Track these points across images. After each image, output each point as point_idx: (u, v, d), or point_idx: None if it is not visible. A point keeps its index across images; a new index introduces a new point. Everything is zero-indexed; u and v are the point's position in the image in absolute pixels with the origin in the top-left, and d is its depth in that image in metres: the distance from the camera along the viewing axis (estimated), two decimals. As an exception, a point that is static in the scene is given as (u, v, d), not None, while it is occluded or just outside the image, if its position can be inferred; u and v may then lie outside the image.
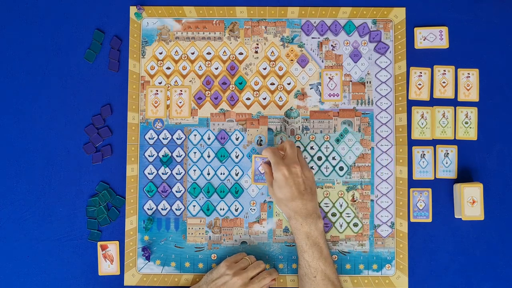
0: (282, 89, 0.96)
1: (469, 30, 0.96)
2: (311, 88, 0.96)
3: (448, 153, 0.94)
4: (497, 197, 0.94)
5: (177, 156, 0.95)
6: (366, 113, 0.95)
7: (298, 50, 0.96)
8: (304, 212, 0.85)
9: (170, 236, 0.94)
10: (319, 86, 0.96)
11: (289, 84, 0.96)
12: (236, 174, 0.94)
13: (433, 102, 0.95)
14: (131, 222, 0.94)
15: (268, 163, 0.90)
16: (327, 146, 0.95)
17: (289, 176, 0.85)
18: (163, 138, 0.95)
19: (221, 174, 0.94)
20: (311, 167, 0.94)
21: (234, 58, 0.96)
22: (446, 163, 0.94)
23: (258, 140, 0.95)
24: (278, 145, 0.93)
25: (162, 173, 0.94)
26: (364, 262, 0.93)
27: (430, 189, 0.94)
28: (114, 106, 0.95)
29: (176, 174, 0.94)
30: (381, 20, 0.96)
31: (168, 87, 0.95)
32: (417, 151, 0.94)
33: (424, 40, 0.95)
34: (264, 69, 0.96)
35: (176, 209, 0.94)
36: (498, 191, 0.94)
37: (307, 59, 0.96)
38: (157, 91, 0.95)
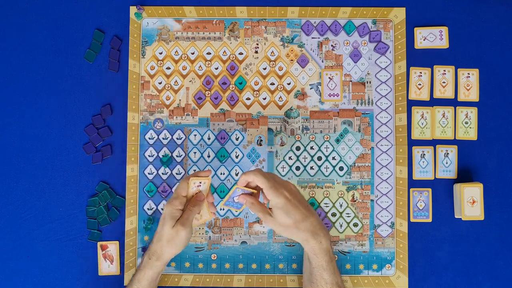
0: (282, 89, 0.96)
1: (469, 30, 0.96)
2: (311, 88, 0.96)
3: (448, 153, 0.94)
4: (497, 197, 0.94)
5: (177, 156, 0.95)
6: (366, 113, 0.95)
7: (298, 50, 0.96)
8: (318, 227, 0.80)
9: (170, 236, 0.94)
10: (319, 86, 0.96)
11: (289, 84, 0.96)
12: (236, 174, 0.94)
13: (433, 102, 0.95)
14: (131, 222, 0.94)
15: (250, 194, 0.81)
16: (327, 146, 0.95)
17: (291, 197, 0.78)
18: (163, 138, 0.95)
19: (221, 174, 0.94)
20: (311, 167, 0.94)
21: (234, 58, 0.96)
22: (446, 163, 0.94)
23: (258, 140, 0.95)
24: (243, 176, 0.79)
25: (162, 173, 0.94)
26: (364, 262, 0.93)
27: (430, 189, 0.94)
28: (114, 106, 0.95)
29: (176, 174, 0.94)
30: (381, 20, 0.96)
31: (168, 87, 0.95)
32: (417, 151, 0.94)
33: (424, 40, 0.95)
34: (264, 69, 0.96)
35: (176, 209, 0.94)
36: (498, 191, 0.94)
37: (307, 59, 0.96)
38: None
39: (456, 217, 0.93)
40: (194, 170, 0.94)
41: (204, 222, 0.88)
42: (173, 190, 0.94)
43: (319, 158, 0.95)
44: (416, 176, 0.94)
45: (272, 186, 0.77)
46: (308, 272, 0.84)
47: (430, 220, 0.93)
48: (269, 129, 0.95)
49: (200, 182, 0.82)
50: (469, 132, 0.95)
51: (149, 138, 0.95)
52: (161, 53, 0.96)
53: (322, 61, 0.96)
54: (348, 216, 0.94)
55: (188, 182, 0.81)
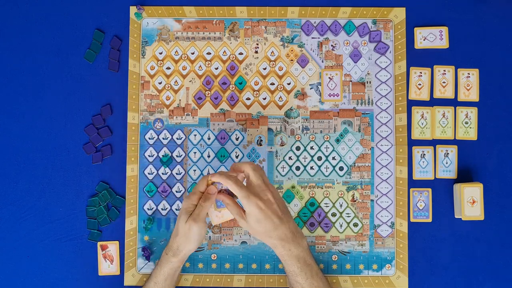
0: (282, 89, 0.96)
1: (469, 30, 0.96)
2: (311, 88, 0.96)
3: (448, 153, 0.94)
4: (497, 197, 0.94)
5: (177, 156, 0.95)
6: (366, 113, 0.95)
7: (298, 50, 0.96)
8: (289, 236, 0.80)
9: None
10: (319, 86, 0.96)
11: (289, 84, 0.96)
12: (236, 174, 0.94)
13: (433, 102, 0.95)
14: (131, 222, 0.94)
15: (229, 193, 0.82)
16: (327, 146, 0.95)
17: (264, 207, 0.78)
18: (163, 138, 0.95)
19: (221, 174, 0.94)
20: (311, 167, 0.94)
21: (234, 58, 0.96)
22: (446, 163, 0.94)
23: (258, 140, 0.95)
24: (235, 164, 0.82)
25: (162, 173, 0.94)
26: (364, 262, 0.93)
27: (430, 189, 0.94)
28: (114, 106, 0.95)
29: (176, 174, 0.94)
30: (381, 20, 0.96)
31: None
32: (417, 151, 0.94)
33: (424, 40, 0.95)
34: (264, 69, 0.96)
35: (176, 209, 0.94)
36: (498, 191, 0.94)
37: (307, 59, 0.96)
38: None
39: (456, 217, 0.93)
40: (194, 171, 0.95)
41: (226, 220, 0.85)
42: (173, 190, 0.94)
43: (319, 158, 0.95)
44: (416, 176, 0.94)
45: (245, 196, 0.77)
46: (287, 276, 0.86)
47: (430, 220, 0.93)
48: (269, 129, 0.95)
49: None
50: (469, 132, 0.95)
51: (149, 138, 0.95)
52: (161, 53, 0.96)
53: (322, 61, 0.96)
54: (348, 216, 0.94)
55: (208, 180, 0.81)
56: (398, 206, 0.94)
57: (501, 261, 0.93)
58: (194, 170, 0.95)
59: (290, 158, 0.95)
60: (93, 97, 0.95)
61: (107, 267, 0.93)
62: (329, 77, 0.96)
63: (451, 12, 0.96)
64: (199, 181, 0.83)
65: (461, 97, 0.95)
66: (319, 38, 0.96)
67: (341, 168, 0.94)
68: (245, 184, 0.81)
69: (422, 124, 0.95)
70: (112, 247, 0.93)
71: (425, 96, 0.95)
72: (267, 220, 0.78)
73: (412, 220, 0.93)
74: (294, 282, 0.83)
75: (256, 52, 0.96)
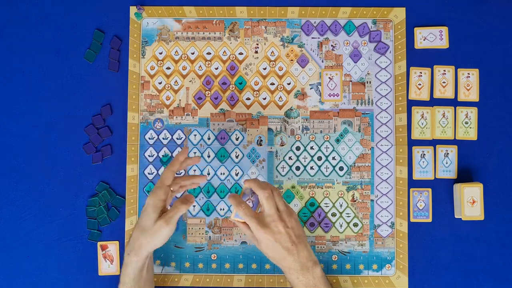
0: (282, 89, 0.96)
1: (469, 30, 0.96)
2: (311, 88, 0.96)
3: (448, 153, 0.94)
4: (497, 197, 0.94)
5: (177, 156, 0.95)
6: (366, 113, 0.95)
7: (298, 50, 0.96)
8: (298, 266, 0.79)
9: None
10: (319, 86, 0.96)
11: (289, 84, 0.96)
12: (236, 174, 0.94)
13: (433, 102, 0.95)
14: (131, 222, 0.94)
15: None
16: (327, 146, 0.95)
17: (273, 239, 0.78)
18: (163, 138, 0.95)
19: (221, 174, 0.94)
20: (311, 167, 0.94)
21: (234, 58, 0.96)
22: (446, 163, 0.94)
23: (258, 140, 0.95)
24: (249, 183, 0.81)
25: (162, 173, 0.94)
26: (364, 262, 0.93)
27: (430, 189, 0.94)
28: (114, 106, 0.95)
29: (176, 174, 0.94)
30: (381, 20, 0.96)
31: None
32: (417, 151, 0.94)
33: (424, 40, 0.95)
34: (264, 69, 0.96)
35: (176, 209, 0.94)
36: (498, 191, 0.94)
37: (307, 59, 0.96)
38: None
39: (456, 217, 0.93)
40: (194, 171, 0.95)
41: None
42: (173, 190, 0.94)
43: (319, 158, 0.95)
44: (416, 176, 0.94)
45: (254, 228, 0.78)
46: None
47: (430, 220, 0.93)
48: (269, 129, 0.95)
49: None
50: (469, 132, 0.95)
51: (149, 138, 0.95)
52: (161, 53, 0.96)
53: (322, 61, 0.96)
54: (348, 216, 0.94)
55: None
56: (398, 206, 0.94)
57: (501, 261, 0.93)
58: (194, 170, 0.95)
59: (290, 158, 0.95)
60: (93, 97, 0.95)
61: (107, 267, 0.93)
62: (329, 77, 0.96)
63: (451, 12, 0.96)
64: (164, 174, 0.81)
65: (461, 97, 0.95)
66: (319, 38, 0.96)
67: (341, 168, 0.95)
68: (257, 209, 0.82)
69: (422, 124, 0.95)
70: (112, 247, 0.93)
71: (425, 96, 0.95)
72: (274, 250, 0.79)
73: (412, 220, 0.93)
74: None
75: (256, 52, 0.96)
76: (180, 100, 0.95)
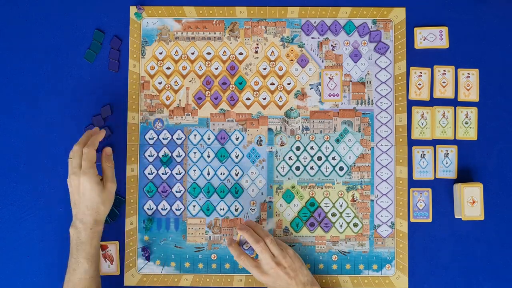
0: (282, 89, 0.96)
1: (469, 30, 0.96)
2: (311, 88, 0.96)
3: (448, 153, 0.94)
4: (497, 197, 0.94)
5: (177, 156, 0.95)
6: (366, 113, 0.95)
7: (298, 50, 0.96)
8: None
9: (170, 236, 0.94)
10: (319, 86, 0.96)
11: (289, 84, 0.96)
12: (236, 174, 0.94)
13: (433, 102, 0.95)
14: (131, 222, 0.94)
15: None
16: (327, 146, 0.95)
17: (274, 281, 0.85)
18: (163, 138, 0.95)
19: (221, 174, 0.94)
20: (311, 167, 0.94)
21: (234, 58, 0.96)
22: (446, 163, 0.94)
23: (258, 140, 0.95)
24: (249, 229, 0.88)
25: (162, 173, 0.94)
26: (364, 262, 0.93)
27: (430, 189, 0.94)
28: (114, 106, 0.95)
29: (176, 174, 0.94)
30: (381, 20, 0.96)
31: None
32: (417, 151, 0.94)
33: (424, 40, 0.95)
34: (264, 69, 0.96)
35: (176, 209, 0.94)
36: (498, 191, 0.94)
37: (307, 59, 0.96)
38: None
39: (456, 217, 0.93)
40: (194, 171, 0.95)
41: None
42: (172, 190, 0.94)
43: (319, 158, 0.95)
44: (416, 176, 0.94)
45: (255, 275, 0.87)
46: None
47: (430, 220, 0.93)
48: (269, 129, 0.95)
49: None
50: (469, 132, 0.95)
51: (149, 138, 0.95)
52: (161, 53, 0.96)
53: (322, 61, 0.96)
54: (348, 216, 0.94)
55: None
56: (398, 206, 0.94)
57: (501, 261, 0.93)
58: (194, 170, 0.95)
59: (290, 158, 0.95)
60: (93, 97, 0.95)
61: (107, 267, 0.93)
62: (329, 77, 0.96)
63: (451, 12, 0.96)
64: (75, 153, 0.85)
65: (461, 97, 0.95)
66: (319, 38, 0.96)
67: (341, 168, 0.94)
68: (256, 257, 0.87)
69: (422, 124, 0.95)
70: (112, 247, 0.93)
71: (425, 96, 0.95)
72: (277, 286, 0.86)
73: (412, 220, 0.93)
74: None
75: (256, 52, 0.96)
76: (180, 100, 0.96)
